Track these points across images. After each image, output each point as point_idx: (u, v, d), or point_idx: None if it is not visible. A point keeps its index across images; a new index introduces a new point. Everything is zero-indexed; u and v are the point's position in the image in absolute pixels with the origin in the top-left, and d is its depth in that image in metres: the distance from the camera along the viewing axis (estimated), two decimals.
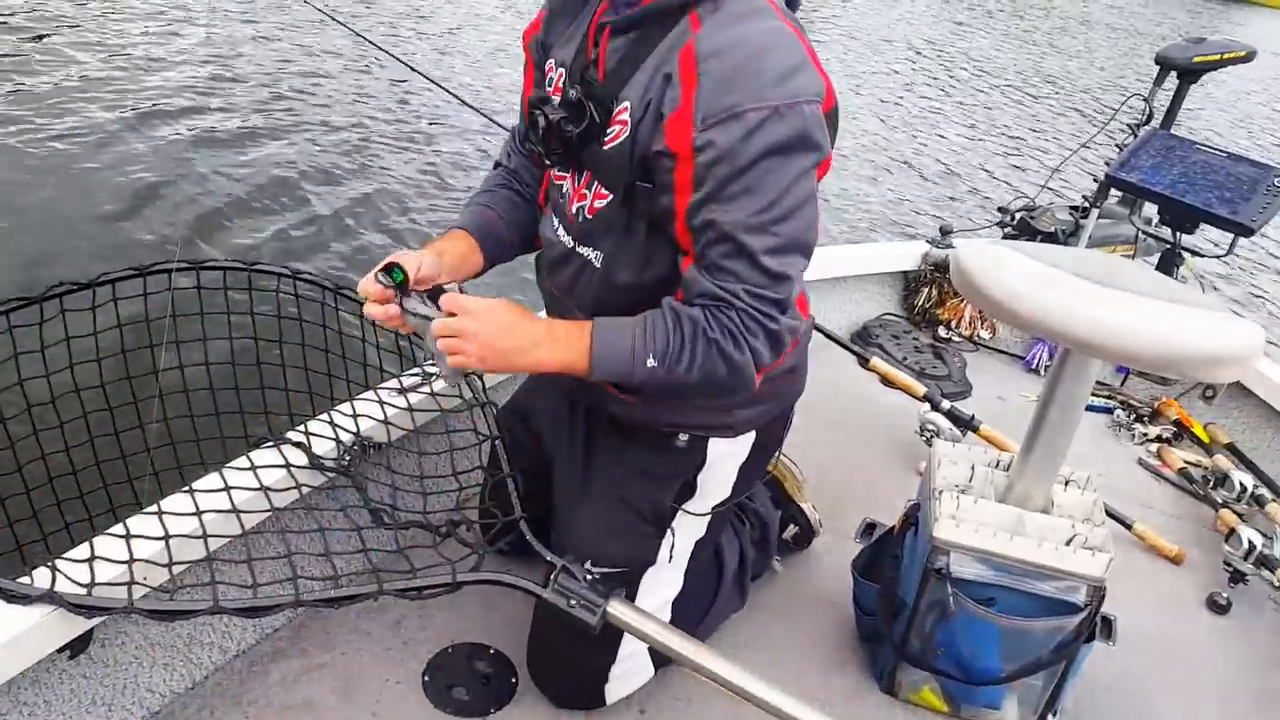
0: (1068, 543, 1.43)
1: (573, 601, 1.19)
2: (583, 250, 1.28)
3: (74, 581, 1.13)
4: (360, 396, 1.59)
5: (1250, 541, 1.96)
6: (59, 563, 1.15)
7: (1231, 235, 2.49)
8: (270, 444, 1.44)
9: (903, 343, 2.69)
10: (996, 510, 1.47)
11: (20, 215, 3.67)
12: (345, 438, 1.49)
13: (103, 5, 6.35)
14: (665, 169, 1.13)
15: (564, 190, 1.30)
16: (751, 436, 1.43)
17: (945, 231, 2.83)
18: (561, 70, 1.26)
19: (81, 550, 1.18)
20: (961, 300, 2.79)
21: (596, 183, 1.23)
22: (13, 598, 1.08)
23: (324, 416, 1.53)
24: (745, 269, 1.13)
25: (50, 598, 1.08)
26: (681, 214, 1.14)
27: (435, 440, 1.64)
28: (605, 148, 1.18)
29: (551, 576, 1.22)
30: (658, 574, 1.43)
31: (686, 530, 1.45)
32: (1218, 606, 1.94)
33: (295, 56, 6.19)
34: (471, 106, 2.96)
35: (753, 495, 1.67)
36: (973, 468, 1.56)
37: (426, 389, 1.63)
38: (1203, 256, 2.66)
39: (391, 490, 1.51)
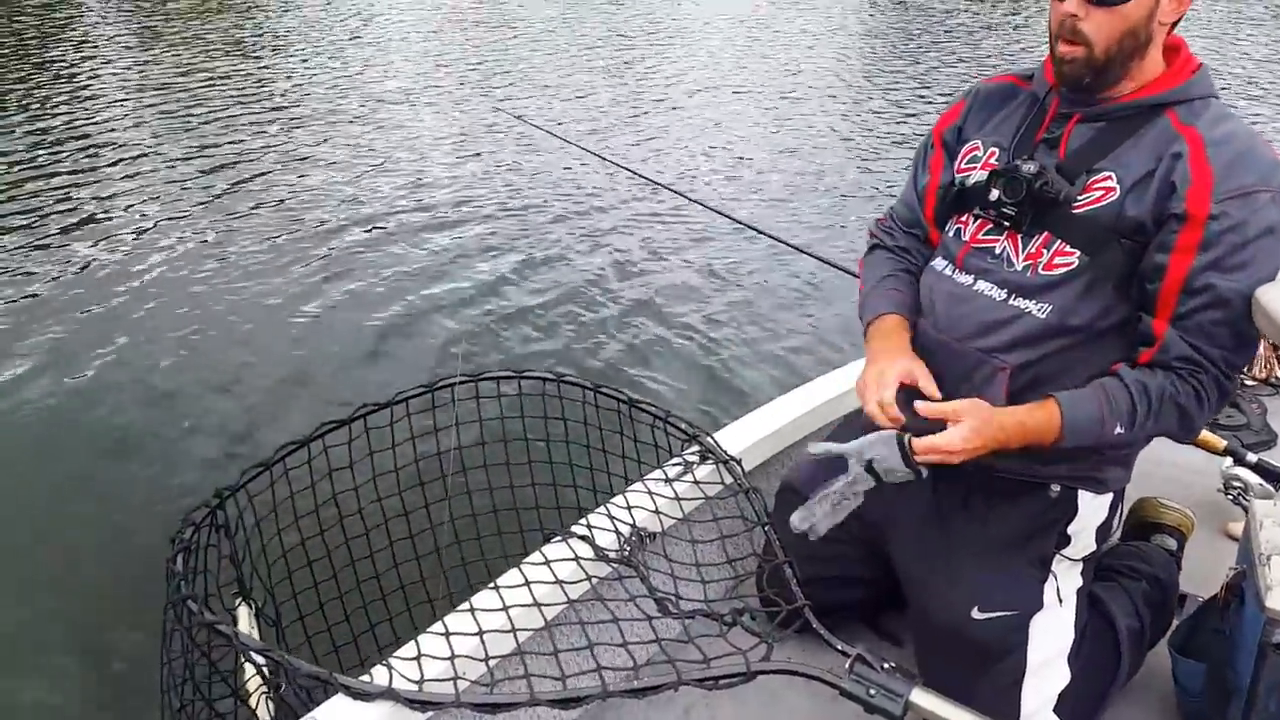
0: None
1: (872, 691, 1.16)
2: (1020, 303, 1.38)
3: (406, 678, 1.23)
4: (631, 489, 1.66)
5: None
6: (393, 661, 1.27)
7: None
8: (559, 538, 1.53)
9: None
10: None
11: (309, 343, 4.16)
12: (623, 529, 1.56)
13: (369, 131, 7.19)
14: (1171, 230, 1.27)
15: (997, 251, 1.42)
16: (1109, 498, 1.50)
17: None
18: (994, 149, 1.45)
19: (409, 649, 1.29)
20: None
21: (1060, 241, 1.35)
22: (358, 695, 1.20)
23: (601, 510, 1.61)
24: (1228, 336, 1.27)
25: (390, 694, 1.19)
26: (1181, 274, 1.27)
27: (705, 528, 1.67)
28: (1078, 211, 1.33)
29: (848, 666, 1.20)
30: (1047, 620, 1.45)
31: (1067, 576, 1.49)
32: None
33: (556, 181, 6.64)
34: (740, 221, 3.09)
35: (1150, 558, 1.70)
36: None
37: (690, 477, 1.68)
38: None
39: (672, 578, 1.55)
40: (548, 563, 1.45)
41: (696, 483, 1.67)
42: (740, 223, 3.08)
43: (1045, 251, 1.37)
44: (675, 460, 1.74)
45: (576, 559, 1.47)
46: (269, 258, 5.02)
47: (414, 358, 4.05)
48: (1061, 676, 1.45)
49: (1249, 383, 2.53)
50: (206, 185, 6.14)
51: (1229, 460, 2.01)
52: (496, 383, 1.83)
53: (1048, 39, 1.36)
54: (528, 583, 1.41)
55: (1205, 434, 2.06)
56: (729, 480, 1.67)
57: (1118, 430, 1.30)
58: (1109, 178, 1.32)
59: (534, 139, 7.23)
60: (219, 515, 1.54)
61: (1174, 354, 1.29)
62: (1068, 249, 1.35)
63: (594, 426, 1.84)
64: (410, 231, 5.52)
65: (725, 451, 1.72)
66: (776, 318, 4.61)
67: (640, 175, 3.49)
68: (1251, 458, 1.99)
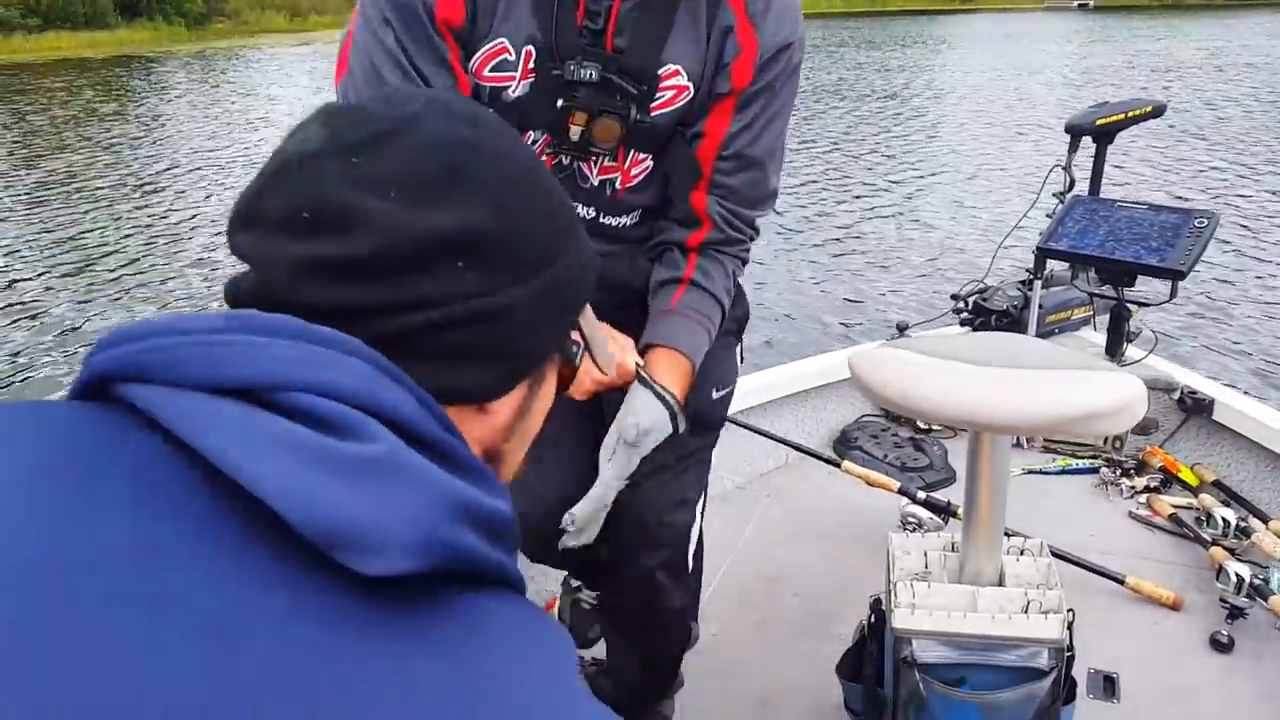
0: (1023, 610, 1.49)
1: None
2: (610, 220, 1.32)
3: None
4: None
5: (1238, 575, 1.98)
6: None
7: (1170, 281, 2.59)
8: None
9: (882, 440, 2.78)
10: (951, 591, 1.53)
11: None
12: None
13: None
14: (712, 103, 1.23)
15: (565, 163, 1.26)
16: None
17: (902, 328, 2.95)
18: (529, 48, 1.17)
19: None
20: None
21: (634, 151, 1.26)
22: None
23: None
24: (757, 196, 1.30)
25: None
26: (717, 142, 1.24)
27: None
28: (655, 113, 1.21)
29: None
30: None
31: None
32: (1220, 645, 1.94)
33: None
34: None
35: None
36: (925, 554, 1.63)
37: None
38: (1148, 305, 2.75)
39: None
40: None
41: None
42: None
43: (620, 165, 1.27)
44: None
45: None
46: None
47: None
48: None
49: (934, 428, 2.88)
50: None
51: (904, 499, 2.30)
52: None
53: None
54: None
55: (882, 477, 2.35)
56: None
57: (713, 334, 1.33)
58: (678, 73, 1.20)
59: None
60: None
61: (718, 230, 1.29)
62: (641, 155, 1.27)
63: None
64: None
65: None
66: None
67: None
68: (921, 495, 2.28)
